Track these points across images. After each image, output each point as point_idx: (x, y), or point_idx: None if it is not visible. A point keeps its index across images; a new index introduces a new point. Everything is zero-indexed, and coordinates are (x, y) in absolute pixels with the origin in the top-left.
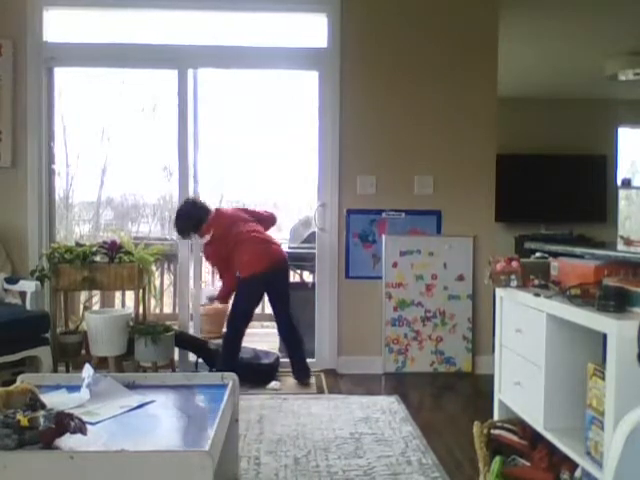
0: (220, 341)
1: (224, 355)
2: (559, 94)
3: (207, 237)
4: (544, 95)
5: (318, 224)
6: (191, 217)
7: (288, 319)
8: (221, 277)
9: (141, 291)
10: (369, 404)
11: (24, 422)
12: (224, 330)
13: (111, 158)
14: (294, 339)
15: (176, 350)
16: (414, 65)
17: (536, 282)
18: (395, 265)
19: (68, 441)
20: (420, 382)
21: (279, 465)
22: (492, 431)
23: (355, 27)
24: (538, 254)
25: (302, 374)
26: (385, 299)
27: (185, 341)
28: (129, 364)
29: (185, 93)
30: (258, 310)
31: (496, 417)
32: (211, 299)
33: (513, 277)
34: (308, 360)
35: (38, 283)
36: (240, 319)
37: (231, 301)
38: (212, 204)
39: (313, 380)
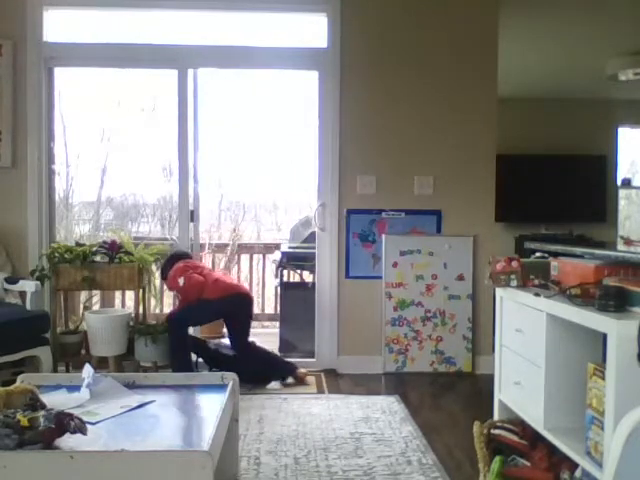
0: (220, 341)
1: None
2: (559, 94)
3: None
4: (544, 95)
5: (318, 224)
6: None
7: (244, 342)
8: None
9: (141, 291)
10: (369, 404)
11: (24, 422)
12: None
13: (111, 158)
14: (257, 352)
15: None
16: (414, 65)
17: (536, 282)
18: (395, 265)
19: (68, 441)
20: (420, 382)
21: (279, 465)
22: (492, 431)
23: (355, 27)
24: (538, 254)
25: (287, 369)
26: (385, 299)
27: None
28: (129, 364)
29: (185, 93)
30: (258, 310)
31: (496, 417)
32: None
33: (513, 277)
34: (308, 360)
35: (38, 283)
36: (185, 326)
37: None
38: (212, 204)
39: (313, 380)
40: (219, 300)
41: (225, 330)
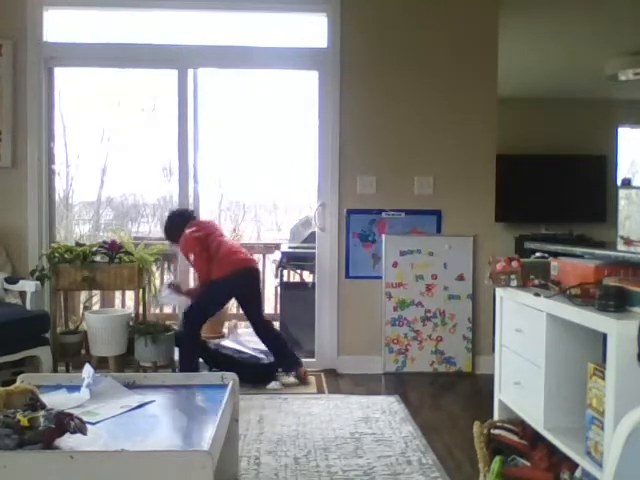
0: (219, 341)
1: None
2: (559, 94)
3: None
4: (544, 95)
5: (318, 224)
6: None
7: (261, 319)
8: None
9: (141, 291)
10: (369, 404)
11: (24, 422)
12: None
13: (111, 158)
14: (273, 335)
15: (176, 350)
16: (414, 65)
17: (536, 282)
18: (395, 265)
19: (68, 441)
20: (420, 382)
21: (279, 465)
22: (492, 431)
23: (355, 27)
24: (538, 254)
25: (295, 362)
26: (385, 299)
27: None
28: (129, 364)
29: (185, 93)
30: None
31: (496, 417)
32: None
33: (513, 277)
34: (308, 360)
35: (38, 283)
36: (198, 322)
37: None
38: (212, 204)
39: (313, 380)
40: (226, 278)
41: (225, 330)
